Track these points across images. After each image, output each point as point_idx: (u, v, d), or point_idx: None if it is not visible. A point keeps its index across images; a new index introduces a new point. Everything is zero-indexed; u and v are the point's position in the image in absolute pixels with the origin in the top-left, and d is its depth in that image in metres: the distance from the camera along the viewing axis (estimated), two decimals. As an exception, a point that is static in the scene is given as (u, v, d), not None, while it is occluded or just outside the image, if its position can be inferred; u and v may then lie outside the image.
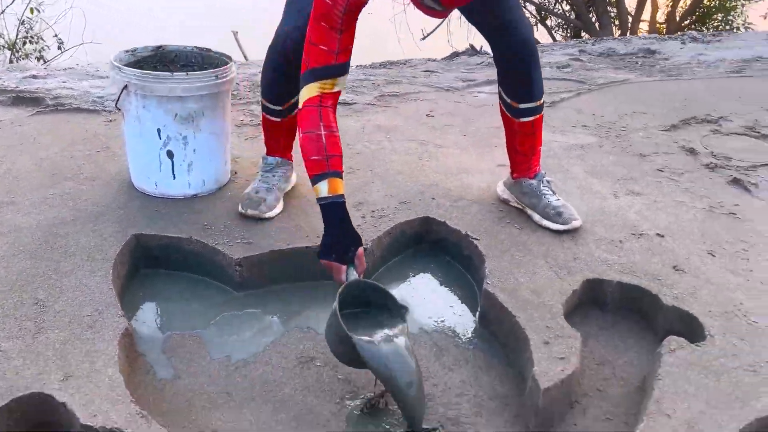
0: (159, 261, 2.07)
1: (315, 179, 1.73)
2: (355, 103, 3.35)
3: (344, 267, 1.70)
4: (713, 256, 2.08)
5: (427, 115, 3.28)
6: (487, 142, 2.94)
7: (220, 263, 1.99)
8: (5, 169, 2.43)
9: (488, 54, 5.07)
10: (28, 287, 1.77)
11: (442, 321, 1.92)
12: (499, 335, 1.82)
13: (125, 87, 2.10)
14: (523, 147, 2.20)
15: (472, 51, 5.17)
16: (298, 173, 2.40)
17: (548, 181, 2.25)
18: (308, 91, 1.76)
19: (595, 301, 1.96)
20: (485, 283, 1.89)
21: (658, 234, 2.17)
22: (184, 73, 2.08)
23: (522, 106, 2.10)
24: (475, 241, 2.09)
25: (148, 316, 1.88)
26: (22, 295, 1.74)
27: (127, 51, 2.30)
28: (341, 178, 1.75)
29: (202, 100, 2.15)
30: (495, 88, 3.76)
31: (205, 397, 1.60)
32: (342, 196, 1.74)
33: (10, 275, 1.80)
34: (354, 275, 1.70)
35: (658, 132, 3.13)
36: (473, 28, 2.16)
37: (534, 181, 2.23)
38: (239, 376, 1.67)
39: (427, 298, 2.02)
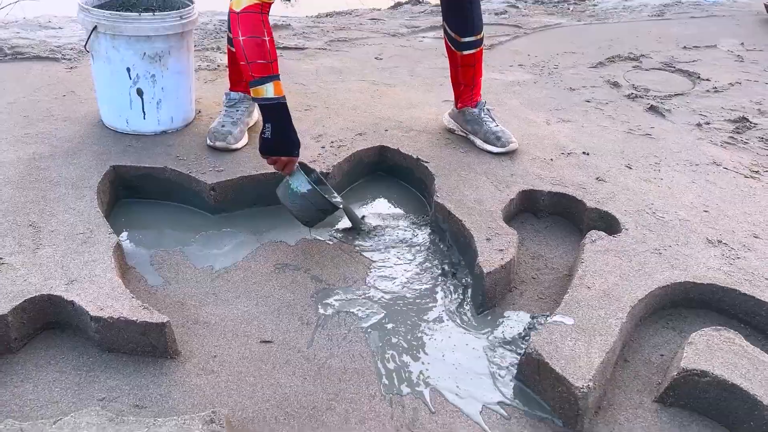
0: (137, 190, 2.24)
1: (259, 81, 1.85)
2: (306, 48, 3.52)
3: (296, 159, 1.96)
4: (630, 168, 2.39)
5: (376, 58, 3.49)
6: (433, 81, 3.17)
7: (195, 189, 2.18)
8: (-26, 113, 2.53)
9: (429, 3, 5.27)
10: (21, 212, 1.92)
11: (403, 231, 2.17)
12: (449, 238, 2.10)
13: (94, 28, 2.23)
14: (465, 78, 2.44)
15: (415, 1, 5.35)
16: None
17: (488, 110, 2.51)
18: None
19: (530, 208, 2.25)
20: (435, 196, 2.15)
21: (584, 152, 2.47)
22: (152, 14, 2.23)
23: (464, 39, 2.34)
24: (426, 164, 2.34)
25: (133, 238, 2.07)
26: (15, 218, 1.90)
27: (90, -5, 2.41)
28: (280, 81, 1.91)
29: (169, 40, 2.30)
30: (438, 33, 4.01)
31: (195, 297, 1.81)
32: (285, 97, 1.90)
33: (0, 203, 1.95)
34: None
35: (587, 69, 3.44)
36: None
37: (476, 110, 2.48)
38: (222, 281, 1.89)
39: (385, 215, 2.27)
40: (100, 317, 1.55)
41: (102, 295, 1.62)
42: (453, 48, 2.39)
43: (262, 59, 1.84)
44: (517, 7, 4.72)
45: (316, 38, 3.72)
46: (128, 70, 2.29)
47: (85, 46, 2.30)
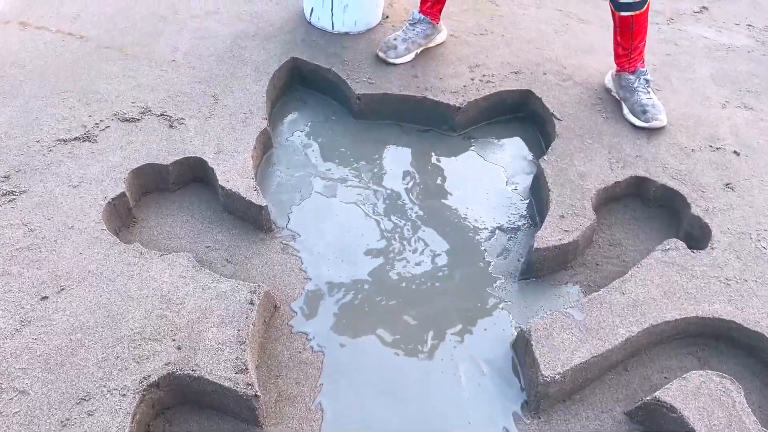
0: (307, 81, 2.67)
1: None
2: (524, -39, 3.48)
3: None
4: (776, 183, 2.19)
5: (589, -14, 3.34)
6: (633, 26, 3.00)
7: (347, 94, 2.54)
8: (220, -18, 3.10)
9: None
10: (211, 83, 2.47)
11: (506, 182, 2.34)
12: (536, 201, 2.23)
13: (304, -67, 2.57)
14: (623, 41, 2.37)
15: None
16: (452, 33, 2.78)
17: (646, 80, 2.41)
18: None
19: (640, 195, 2.24)
20: (542, 159, 2.24)
21: (735, 151, 2.30)
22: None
23: (622, 0, 2.25)
24: (557, 121, 2.40)
25: (287, 120, 2.53)
26: (206, 88, 2.45)
27: None
28: None
29: (361, -46, 2.56)
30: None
31: (302, 182, 2.25)
32: None
33: (200, 72, 2.51)
34: None
35: (830, 46, 2.94)
36: None
37: (632, 77, 2.41)
38: (326, 178, 2.29)
39: (497, 161, 2.42)
40: (224, 187, 2.06)
41: (233, 170, 2.11)
42: (612, 6, 2.31)
43: None
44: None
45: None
46: (326, -26, 2.63)
47: (298, -54, 2.66)
